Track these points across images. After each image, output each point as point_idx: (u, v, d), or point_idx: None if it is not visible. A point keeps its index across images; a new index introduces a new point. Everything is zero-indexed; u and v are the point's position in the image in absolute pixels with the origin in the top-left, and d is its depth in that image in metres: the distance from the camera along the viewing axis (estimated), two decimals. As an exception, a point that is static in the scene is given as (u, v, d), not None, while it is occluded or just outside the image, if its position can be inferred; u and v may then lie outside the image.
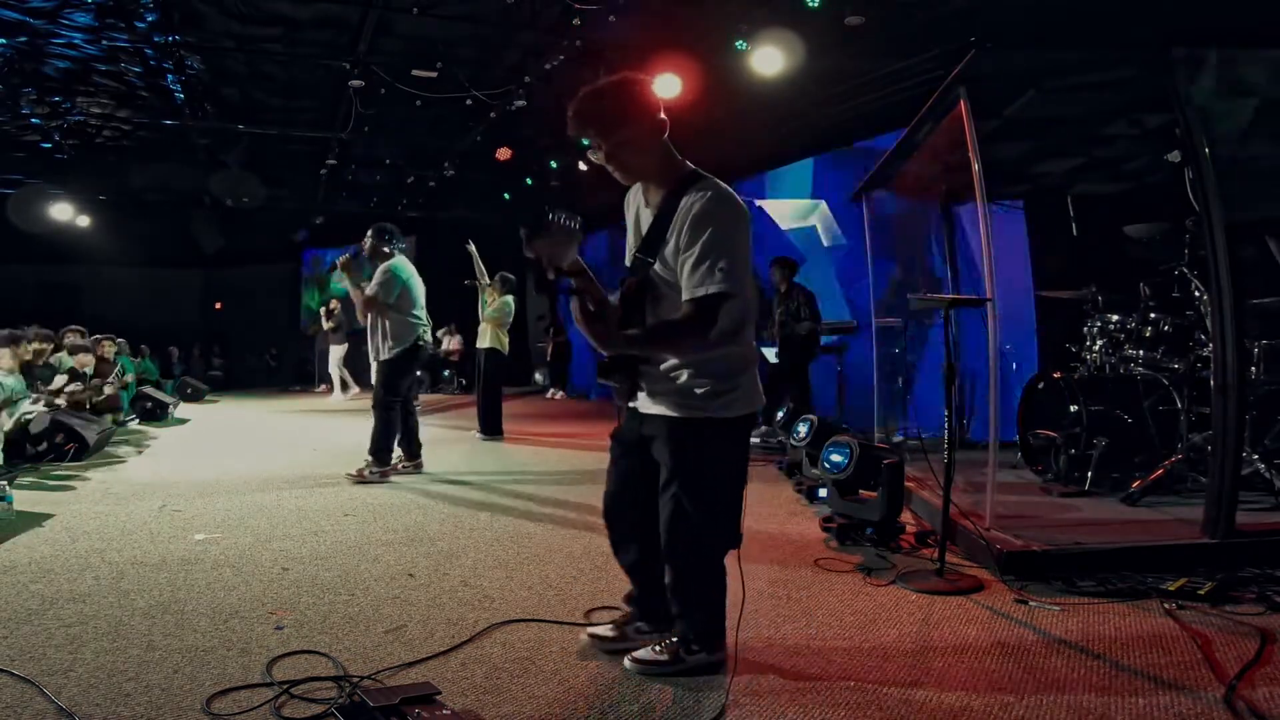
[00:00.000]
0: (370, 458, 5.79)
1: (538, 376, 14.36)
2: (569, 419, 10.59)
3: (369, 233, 5.94)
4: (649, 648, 2.48)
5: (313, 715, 2.18)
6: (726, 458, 2.36)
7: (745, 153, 9.60)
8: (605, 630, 2.64)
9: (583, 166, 10.64)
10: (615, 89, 2.28)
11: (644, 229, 2.34)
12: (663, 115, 2.29)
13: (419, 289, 5.91)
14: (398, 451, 6.03)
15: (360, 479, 5.69)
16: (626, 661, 2.47)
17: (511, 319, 8.29)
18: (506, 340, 8.23)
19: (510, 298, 8.17)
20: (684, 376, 2.30)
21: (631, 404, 2.42)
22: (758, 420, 2.41)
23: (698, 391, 2.29)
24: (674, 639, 2.46)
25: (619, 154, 2.27)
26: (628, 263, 2.42)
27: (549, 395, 13.81)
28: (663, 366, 2.32)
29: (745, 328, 2.31)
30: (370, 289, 5.74)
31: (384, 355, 5.81)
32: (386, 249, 5.88)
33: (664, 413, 2.34)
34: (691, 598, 2.44)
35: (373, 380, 6.00)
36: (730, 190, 2.26)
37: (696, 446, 2.32)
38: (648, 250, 2.29)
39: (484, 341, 8.18)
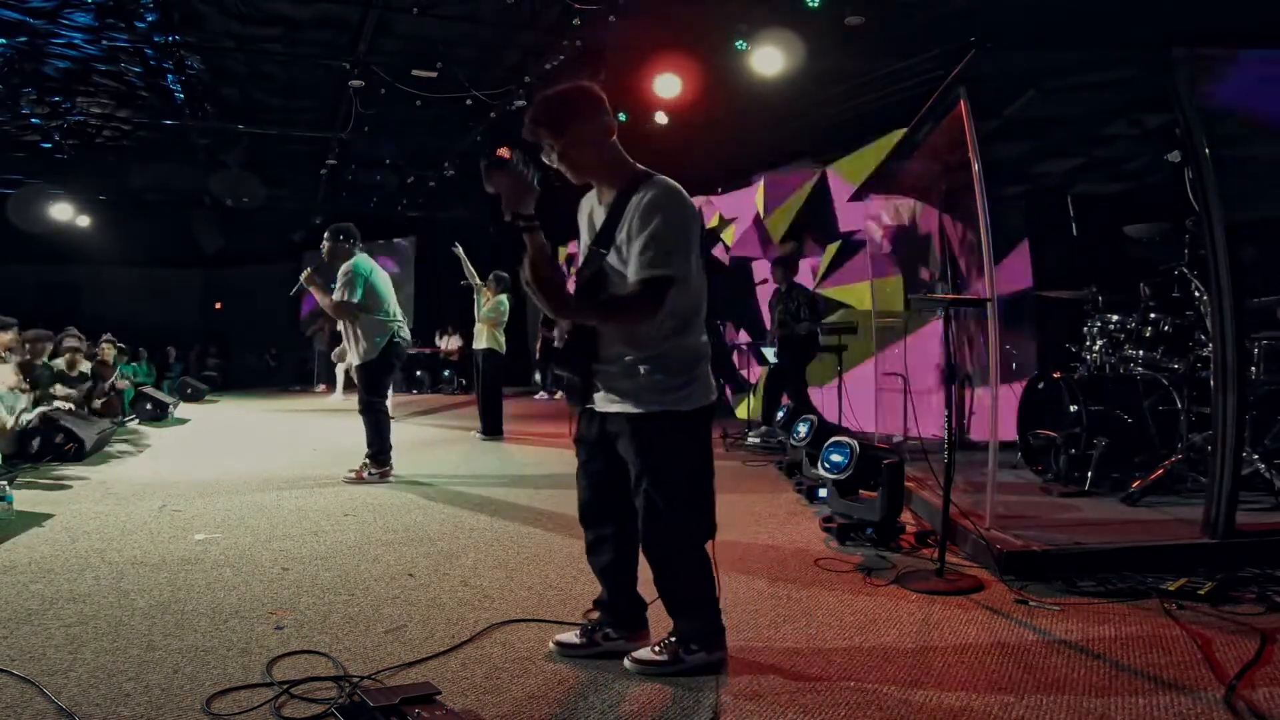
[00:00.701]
0: (368, 460, 5.78)
1: (538, 376, 14.37)
2: (567, 419, 10.57)
3: (325, 236, 5.82)
4: (649, 648, 2.48)
5: (313, 715, 2.17)
6: (690, 450, 2.40)
7: (745, 153, 9.61)
8: (572, 637, 2.62)
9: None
10: (565, 93, 2.39)
11: (597, 226, 2.41)
12: (610, 118, 2.38)
13: (385, 285, 5.78)
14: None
15: (359, 479, 5.69)
16: (626, 662, 2.47)
17: (507, 318, 8.29)
18: (503, 340, 8.22)
19: (505, 297, 8.17)
20: (640, 372, 2.33)
21: (588, 405, 2.45)
22: (714, 412, 2.44)
23: (655, 386, 2.32)
24: (673, 638, 2.46)
25: (570, 152, 2.35)
26: (581, 259, 2.48)
27: (552, 396, 13.82)
28: (620, 362, 2.34)
29: (696, 320, 2.39)
30: (336, 293, 5.60)
31: (359, 359, 5.72)
32: (346, 246, 5.74)
33: (625, 410, 2.36)
34: (680, 596, 2.47)
35: (356, 384, 5.96)
36: (679, 187, 2.31)
37: (660, 441, 2.35)
38: (601, 242, 2.35)
39: (480, 342, 8.18)
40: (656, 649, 2.47)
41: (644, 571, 2.52)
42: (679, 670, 2.41)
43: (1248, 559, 3.30)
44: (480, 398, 8.42)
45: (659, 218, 2.22)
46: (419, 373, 15.50)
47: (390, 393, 9.54)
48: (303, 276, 5.70)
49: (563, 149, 2.34)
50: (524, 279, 2.29)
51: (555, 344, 2.41)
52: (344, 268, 5.66)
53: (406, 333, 5.92)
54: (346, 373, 13.37)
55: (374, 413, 5.78)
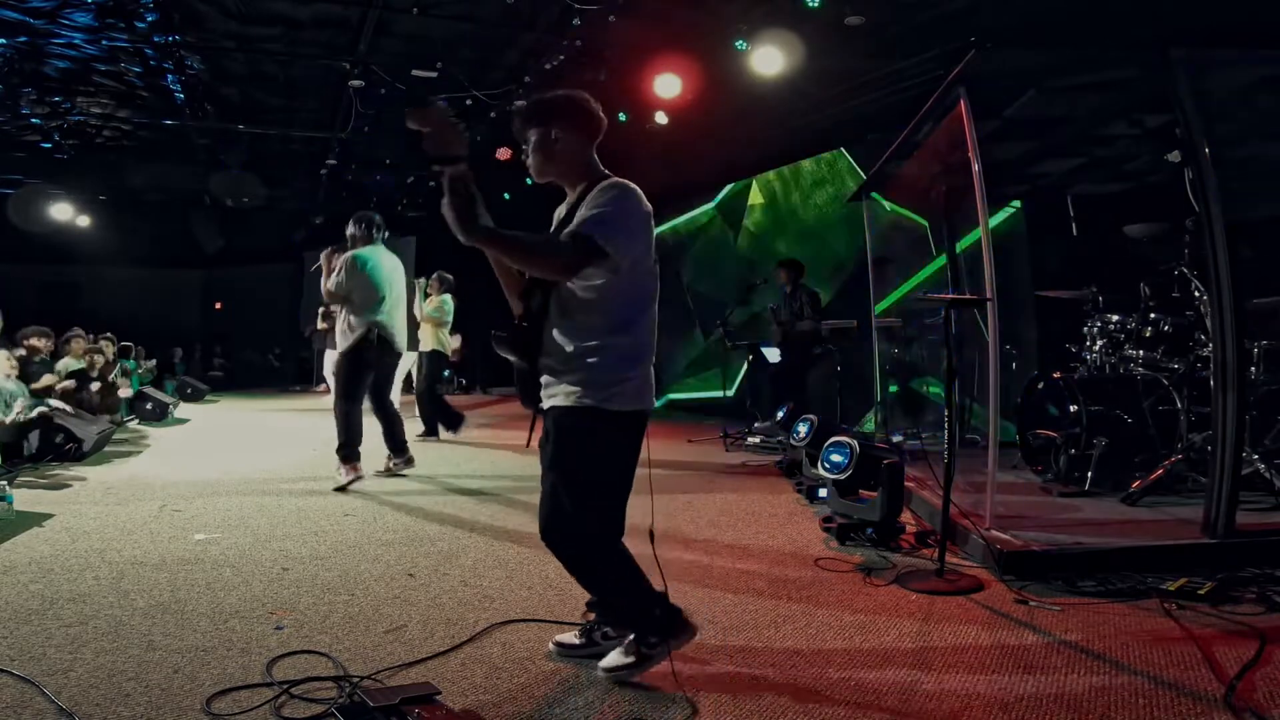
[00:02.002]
0: (340, 461, 5.55)
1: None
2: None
3: (349, 222, 5.74)
4: (615, 653, 2.45)
5: (313, 715, 2.18)
6: (608, 452, 2.36)
7: (745, 152, 9.61)
8: (571, 638, 2.63)
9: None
10: (557, 94, 2.48)
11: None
12: (592, 128, 2.45)
13: (384, 282, 5.56)
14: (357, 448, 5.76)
15: (387, 473, 5.76)
16: (599, 671, 2.43)
17: (451, 319, 8.22)
18: (448, 340, 8.11)
19: (448, 296, 8.12)
20: (576, 365, 2.32)
21: (539, 405, 2.46)
22: (645, 421, 2.39)
23: (586, 381, 2.31)
24: (632, 638, 2.43)
25: (545, 146, 2.42)
26: None
27: None
28: (560, 353, 2.34)
29: (640, 321, 2.38)
30: (330, 279, 5.49)
31: (337, 348, 5.63)
32: (361, 234, 5.63)
33: (556, 403, 2.37)
34: (605, 595, 2.47)
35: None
36: (637, 189, 2.35)
37: (579, 436, 2.33)
38: (560, 230, 2.37)
39: (426, 344, 8.01)
40: (621, 651, 2.44)
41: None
42: (649, 665, 2.39)
43: (1248, 559, 3.31)
44: (421, 398, 8.16)
45: (609, 197, 2.29)
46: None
47: (399, 391, 9.40)
48: (323, 255, 5.69)
49: (539, 139, 2.41)
50: (443, 207, 2.15)
51: (502, 333, 2.44)
52: (345, 255, 5.56)
53: (391, 335, 5.59)
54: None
55: (342, 407, 5.53)
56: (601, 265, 2.25)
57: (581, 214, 2.29)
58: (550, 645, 2.63)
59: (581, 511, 2.34)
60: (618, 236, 2.25)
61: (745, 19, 6.75)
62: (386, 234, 5.83)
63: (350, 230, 5.73)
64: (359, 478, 5.51)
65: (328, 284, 5.56)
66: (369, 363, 5.58)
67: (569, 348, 2.34)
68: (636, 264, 2.34)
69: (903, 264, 7.35)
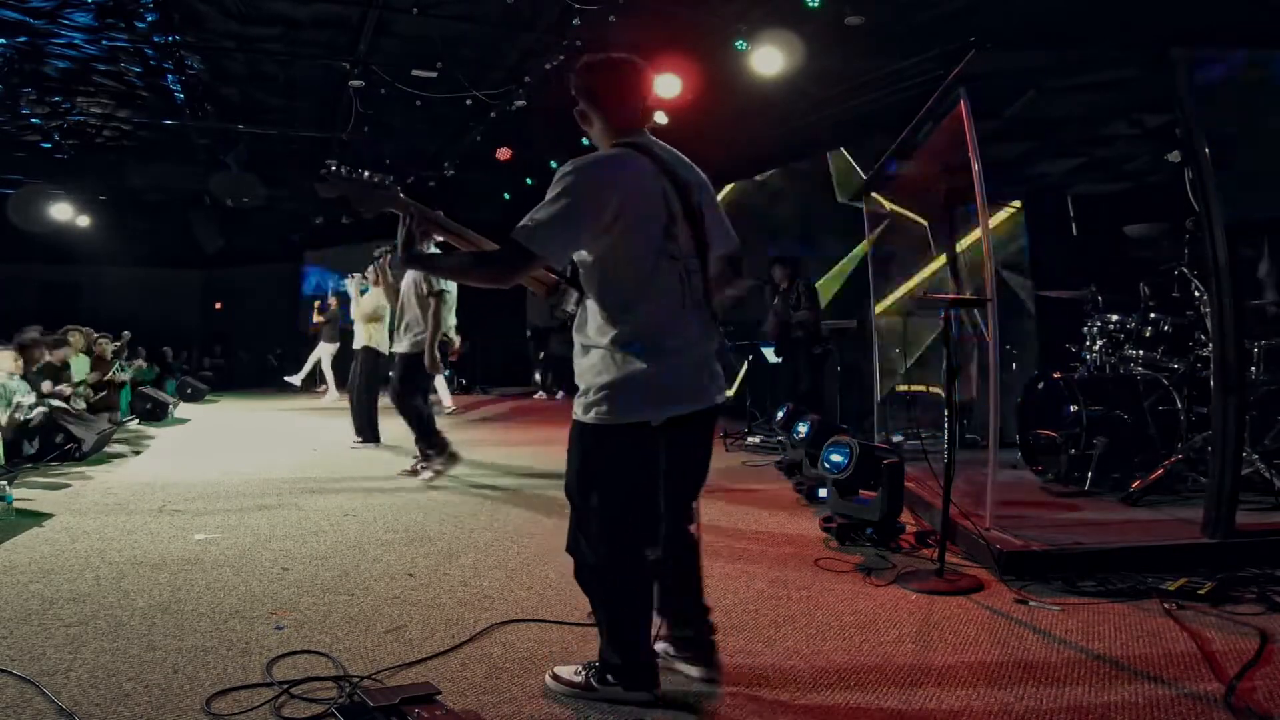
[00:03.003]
0: (429, 451, 5.71)
1: (537, 377, 14.36)
2: (568, 419, 10.56)
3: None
4: (571, 667, 2.35)
5: (313, 715, 2.18)
6: (605, 468, 2.18)
7: (745, 153, 9.61)
8: (665, 646, 2.48)
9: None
10: (596, 61, 2.30)
11: None
12: (619, 99, 2.26)
13: (451, 286, 5.70)
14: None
15: (414, 474, 5.70)
16: (546, 676, 2.36)
17: (389, 315, 8.11)
18: (385, 338, 7.75)
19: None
20: (585, 363, 2.21)
21: None
22: (646, 432, 2.13)
23: (586, 393, 2.19)
24: (596, 663, 2.30)
25: (580, 115, 2.34)
26: None
27: (552, 396, 13.82)
28: (578, 347, 2.24)
29: (631, 312, 2.12)
30: (432, 284, 5.52)
31: (405, 348, 5.66)
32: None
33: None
34: (597, 615, 2.30)
35: (391, 373, 5.87)
36: (599, 159, 2.19)
37: (579, 452, 2.22)
38: None
39: (360, 340, 7.67)
40: (578, 669, 2.32)
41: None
42: (590, 697, 2.25)
43: (1248, 559, 3.31)
44: (356, 401, 7.63)
45: (552, 187, 2.10)
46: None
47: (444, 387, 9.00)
48: (384, 257, 5.67)
49: (580, 113, 2.33)
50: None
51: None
52: None
53: (450, 336, 5.82)
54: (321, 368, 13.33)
55: (408, 405, 5.67)
56: (537, 266, 2.12)
57: None
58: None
59: (587, 534, 2.22)
60: (549, 235, 2.05)
61: (745, 19, 6.76)
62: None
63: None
64: (449, 461, 5.66)
65: (424, 288, 5.51)
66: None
67: (576, 345, 2.25)
68: (611, 248, 2.11)
69: (903, 263, 7.35)
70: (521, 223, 2.08)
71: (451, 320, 5.73)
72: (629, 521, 2.20)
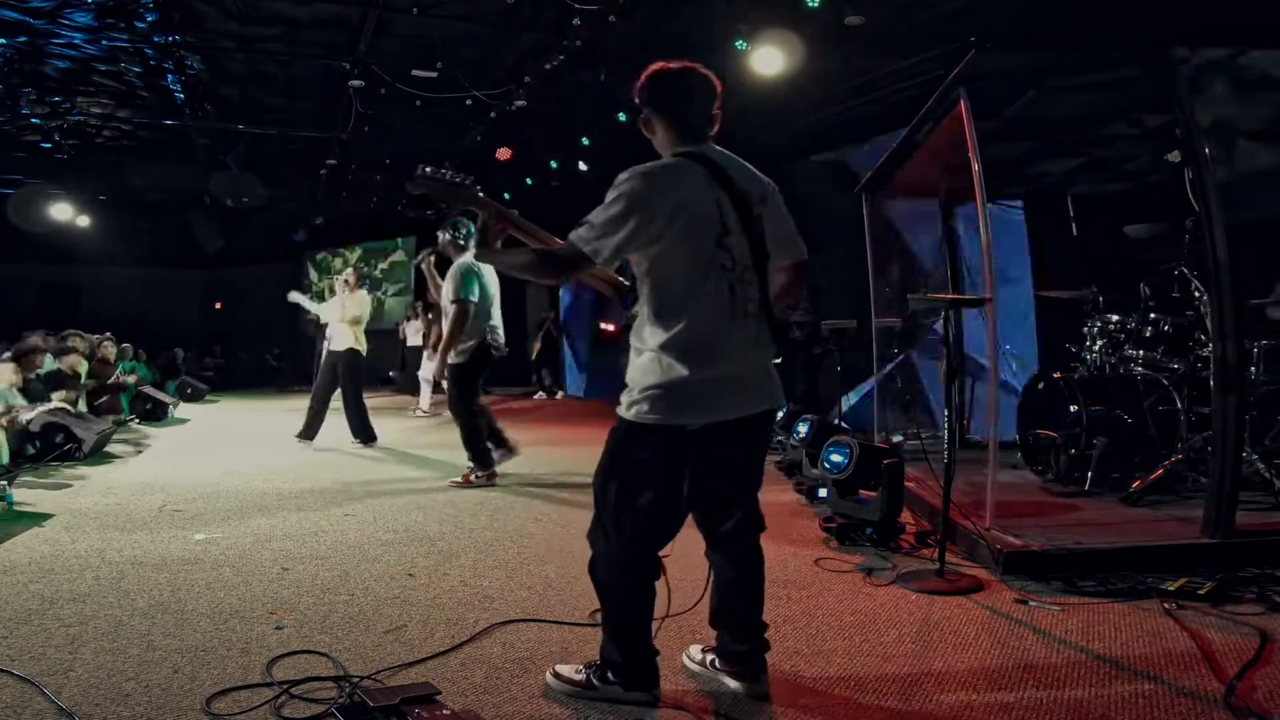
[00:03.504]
0: (471, 464, 5.68)
1: (535, 377, 14.35)
2: (568, 419, 10.58)
3: (440, 230, 5.74)
4: (573, 665, 2.38)
5: (313, 715, 2.18)
6: (629, 465, 2.21)
7: (744, 153, 9.59)
8: (697, 652, 2.52)
9: (583, 166, 10.63)
10: (661, 70, 2.32)
11: None
12: (677, 108, 2.29)
13: (493, 287, 5.66)
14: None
15: (465, 484, 5.61)
16: (547, 674, 2.39)
17: (367, 316, 8.05)
18: (364, 339, 7.82)
19: (364, 293, 7.93)
20: (633, 376, 2.23)
21: None
22: (680, 435, 2.14)
23: (631, 392, 2.22)
24: (597, 661, 2.33)
25: (644, 126, 2.38)
26: None
27: (552, 396, 13.81)
28: (629, 368, 2.27)
29: (677, 318, 2.14)
30: (452, 290, 5.49)
31: (454, 358, 5.60)
32: (460, 243, 5.63)
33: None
34: (602, 610, 2.35)
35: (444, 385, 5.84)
36: (650, 171, 2.18)
37: (610, 446, 2.25)
38: None
39: (343, 343, 7.62)
40: (579, 668, 2.34)
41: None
42: (591, 696, 2.28)
43: (1248, 559, 3.31)
44: (347, 404, 7.66)
45: (610, 192, 2.16)
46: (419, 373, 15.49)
47: (429, 392, 9.09)
48: (424, 264, 5.69)
49: (643, 118, 2.36)
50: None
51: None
52: (458, 264, 5.54)
53: (500, 337, 5.73)
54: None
55: (464, 413, 5.63)
56: (590, 267, 2.18)
57: None
58: (683, 660, 2.53)
59: (598, 525, 2.27)
60: (602, 238, 2.12)
61: (745, 19, 6.76)
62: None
63: (446, 237, 5.69)
64: (491, 480, 5.64)
65: (453, 297, 5.48)
66: (484, 367, 5.69)
67: (631, 347, 2.27)
68: (662, 256, 2.15)
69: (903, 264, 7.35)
70: (578, 225, 2.18)
71: (493, 325, 5.64)
72: (642, 520, 2.21)
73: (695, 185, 2.19)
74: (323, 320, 7.81)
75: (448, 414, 10.39)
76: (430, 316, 10.32)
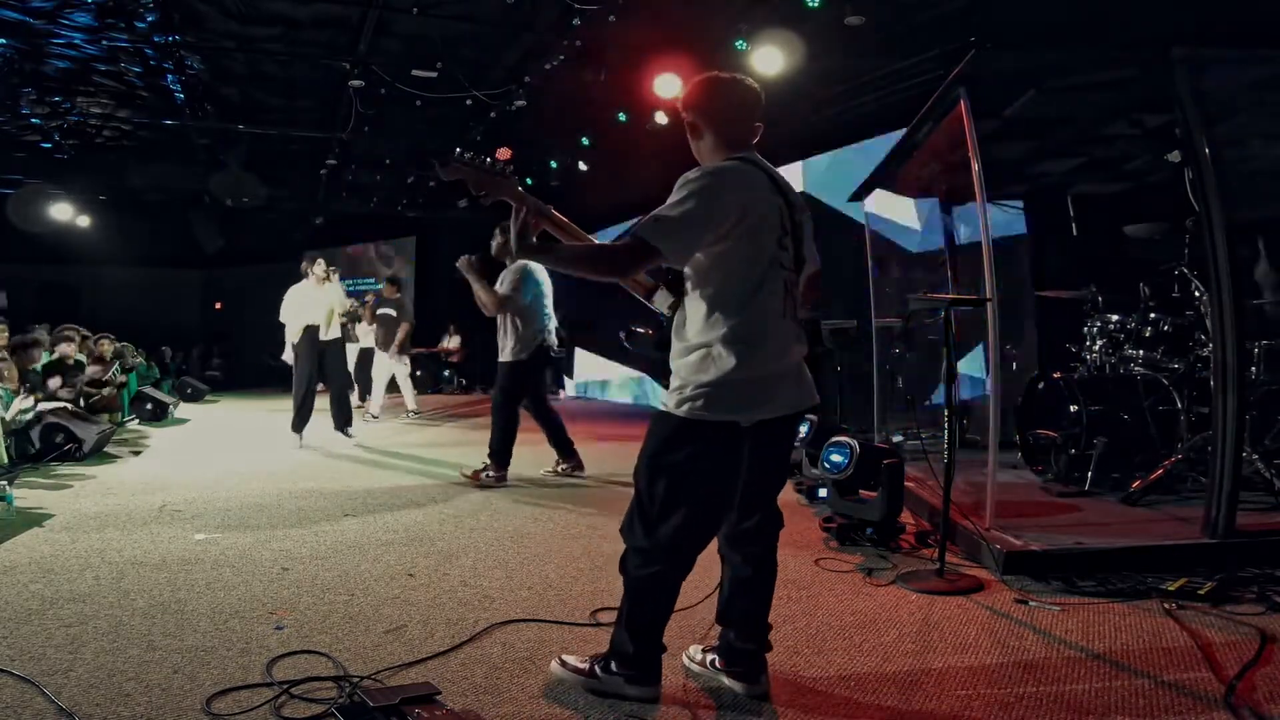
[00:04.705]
0: (487, 461, 5.70)
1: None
2: (568, 419, 10.56)
3: (497, 231, 5.70)
4: (575, 657, 2.41)
5: (313, 715, 2.18)
6: (681, 461, 2.20)
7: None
8: (696, 652, 2.53)
9: (583, 166, 10.64)
10: (706, 79, 2.40)
11: None
12: (725, 117, 2.36)
13: (545, 286, 5.72)
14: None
15: (475, 481, 5.64)
16: (554, 663, 2.42)
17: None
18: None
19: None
20: (682, 372, 2.24)
21: None
22: (734, 430, 2.18)
23: (683, 388, 2.22)
24: (604, 655, 2.34)
25: (688, 130, 2.40)
26: None
27: (556, 396, 13.84)
28: (674, 348, 2.29)
29: (730, 317, 2.16)
30: (504, 288, 5.56)
31: (508, 356, 5.65)
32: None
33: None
34: (623, 606, 2.33)
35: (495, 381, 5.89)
36: (723, 171, 2.22)
37: (658, 440, 2.24)
38: None
39: (335, 334, 7.90)
40: (584, 658, 2.39)
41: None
42: (591, 686, 2.30)
43: (1248, 559, 3.31)
44: (338, 394, 8.00)
45: (677, 190, 2.17)
46: (418, 373, 15.49)
47: (381, 393, 9.32)
48: (462, 265, 5.64)
49: (690, 123, 2.39)
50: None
51: (645, 330, 2.44)
52: (516, 265, 5.55)
53: (553, 339, 5.79)
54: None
55: (505, 413, 5.67)
56: (657, 262, 2.16)
57: None
58: (683, 660, 2.52)
59: (632, 518, 2.27)
60: (676, 233, 2.11)
61: (745, 19, 6.76)
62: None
63: (499, 241, 5.67)
64: (501, 481, 5.64)
65: (501, 293, 5.53)
66: (540, 369, 5.76)
67: (675, 345, 2.29)
68: (727, 253, 2.17)
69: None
70: (645, 219, 2.16)
71: (547, 326, 5.72)
72: (692, 517, 2.22)
73: (761, 188, 2.26)
74: (313, 321, 7.84)
75: (413, 415, 10.46)
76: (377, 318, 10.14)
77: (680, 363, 2.25)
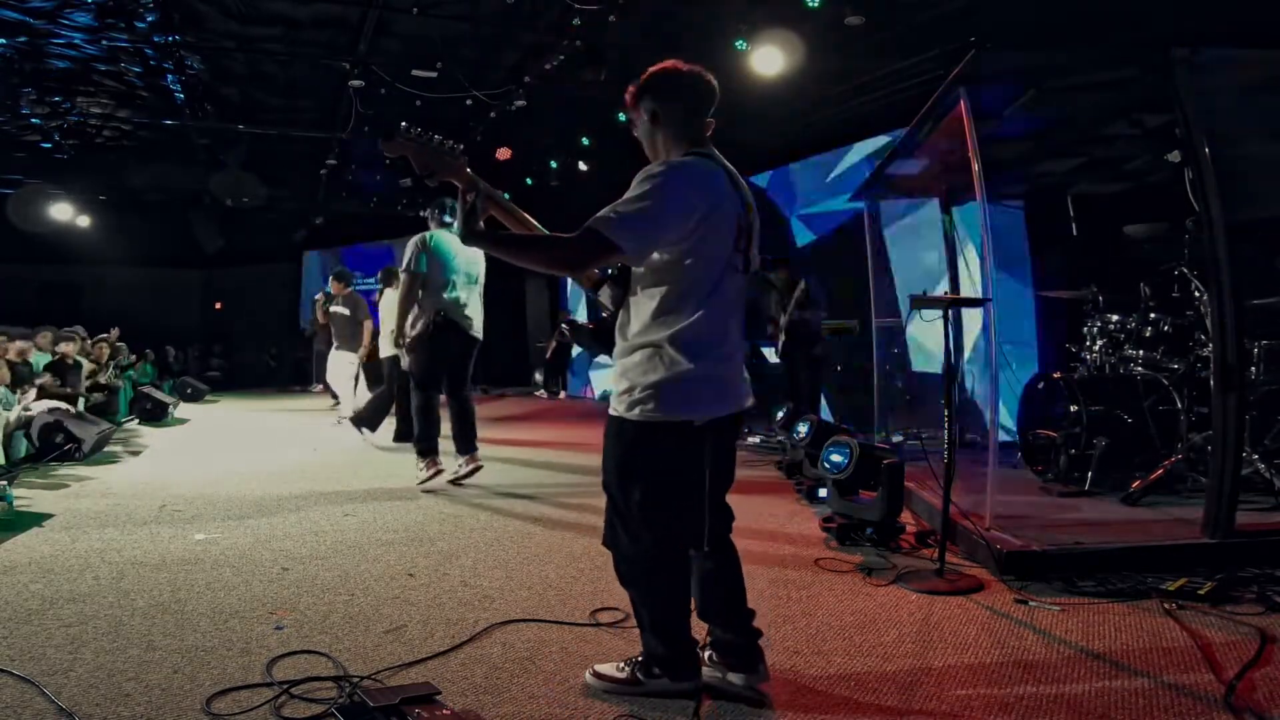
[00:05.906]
0: (416, 457, 5.44)
1: (537, 376, 14.36)
2: (569, 419, 10.58)
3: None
4: (613, 664, 2.37)
5: (313, 715, 2.18)
6: (648, 465, 2.18)
7: (744, 154, 9.61)
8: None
9: (583, 166, 10.64)
10: (657, 70, 2.30)
11: None
12: (682, 107, 2.25)
13: (453, 258, 5.30)
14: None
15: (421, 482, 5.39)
16: (587, 674, 2.38)
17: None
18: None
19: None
20: (622, 367, 2.21)
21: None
22: (689, 430, 2.15)
23: (631, 391, 2.18)
24: (639, 658, 2.33)
25: (638, 125, 2.32)
26: None
27: (553, 396, 13.82)
28: (619, 350, 2.24)
29: (688, 315, 2.12)
30: (405, 264, 5.31)
31: (408, 333, 5.36)
32: (430, 217, 5.58)
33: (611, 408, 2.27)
34: (640, 614, 2.32)
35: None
36: (692, 166, 2.15)
37: (621, 448, 2.21)
38: None
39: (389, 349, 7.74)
40: (621, 666, 2.34)
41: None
42: (639, 692, 2.28)
43: (1248, 559, 3.30)
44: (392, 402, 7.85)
45: (639, 183, 2.10)
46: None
47: (350, 394, 8.96)
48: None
49: (636, 120, 2.32)
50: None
51: (588, 324, 2.39)
52: (417, 236, 5.39)
53: (461, 318, 5.31)
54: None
55: (417, 397, 5.40)
56: (615, 259, 2.11)
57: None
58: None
59: (625, 528, 2.24)
60: (635, 229, 2.05)
61: (745, 19, 6.76)
62: (449, 218, 5.51)
63: (424, 214, 5.69)
64: (439, 472, 5.37)
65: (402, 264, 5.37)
66: (441, 347, 5.30)
67: (620, 344, 2.23)
68: (686, 253, 2.12)
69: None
70: (602, 213, 2.07)
71: (450, 302, 5.30)
72: (671, 516, 2.21)
73: (723, 186, 2.20)
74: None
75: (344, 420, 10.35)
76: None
77: (625, 362, 2.21)
